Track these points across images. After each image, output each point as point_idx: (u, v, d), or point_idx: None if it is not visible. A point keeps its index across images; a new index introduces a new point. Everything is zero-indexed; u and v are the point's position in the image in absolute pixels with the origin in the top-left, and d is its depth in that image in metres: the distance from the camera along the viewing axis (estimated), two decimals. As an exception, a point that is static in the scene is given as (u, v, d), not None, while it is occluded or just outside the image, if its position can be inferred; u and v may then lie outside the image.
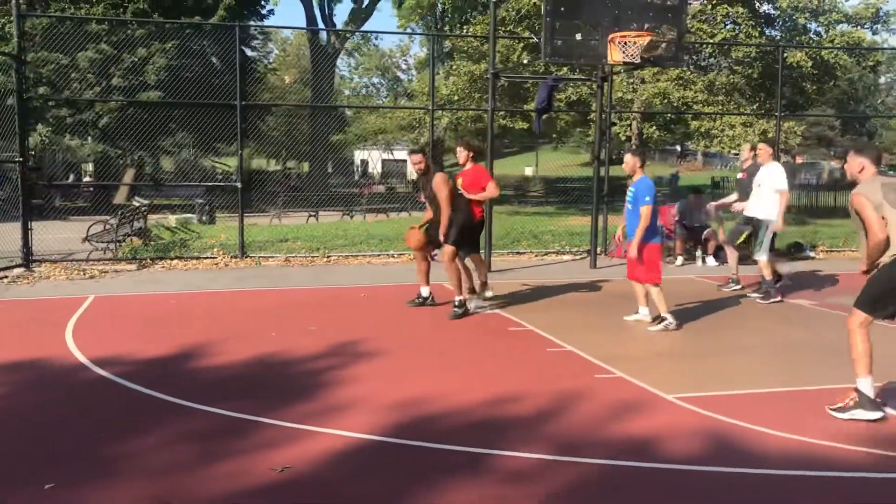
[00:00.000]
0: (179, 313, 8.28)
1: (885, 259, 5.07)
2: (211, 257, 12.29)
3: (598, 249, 13.44)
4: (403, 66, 50.28)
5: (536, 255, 13.32)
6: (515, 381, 5.83)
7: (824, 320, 8.20)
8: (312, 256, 12.50)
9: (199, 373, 6.00)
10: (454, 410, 5.07)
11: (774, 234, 9.11)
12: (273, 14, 34.07)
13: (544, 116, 12.48)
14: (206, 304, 8.88)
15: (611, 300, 9.17)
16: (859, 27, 19.32)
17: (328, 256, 12.53)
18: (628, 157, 7.69)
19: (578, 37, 9.87)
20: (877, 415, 4.96)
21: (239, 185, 12.62)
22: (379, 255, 12.86)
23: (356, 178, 43.41)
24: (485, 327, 7.74)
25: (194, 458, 4.24)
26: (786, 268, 9.85)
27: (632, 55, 9.47)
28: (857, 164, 5.25)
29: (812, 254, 13.71)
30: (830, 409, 5.11)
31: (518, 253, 13.42)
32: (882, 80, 49.21)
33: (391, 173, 46.00)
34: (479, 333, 7.46)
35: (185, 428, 4.72)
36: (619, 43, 9.47)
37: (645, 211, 7.39)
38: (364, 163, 48.60)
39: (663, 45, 10.39)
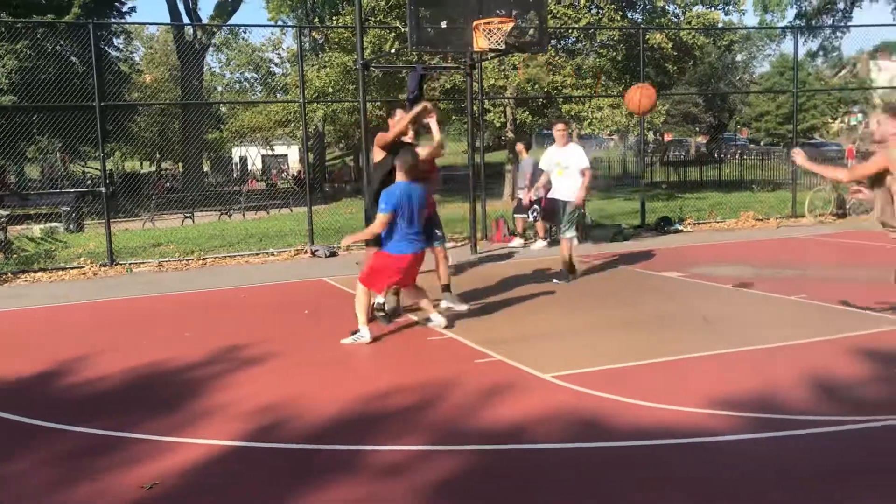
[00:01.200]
0: (43, 329, 7.83)
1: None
2: (78, 267, 11.69)
3: (479, 235, 13.61)
4: (277, 60, 49.26)
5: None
6: (394, 373, 5.81)
7: (693, 290, 8.57)
8: (187, 260, 12.09)
9: (64, 391, 5.69)
10: (330, 409, 5.00)
11: (580, 213, 9.32)
12: (135, 11, 32.66)
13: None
14: (73, 317, 8.44)
15: (491, 284, 9.28)
16: (713, 8, 20.26)
17: (204, 259, 12.15)
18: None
19: (444, 25, 9.90)
20: None
21: (103, 189, 12.04)
22: (258, 255, 12.57)
23: (235, 175, 42.33)
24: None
25: (56, 482, 4.01)
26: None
27: (497, 42, 9.58)
28: (893, 128, 5.66)
29: (680, 227, 14.30)
30: None
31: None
32: (739, 58, 51.73)
33: (271, 169, 45.10)
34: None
35: (48, 451, 4.45)
36: (484, 30, 9.56)
37: (381, 218, 6.49)
38: (243, 160, 47.44)
39: (527, 31, 10.56)
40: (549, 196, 9.48)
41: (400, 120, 7.22)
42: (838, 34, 31.27)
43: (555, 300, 8.31)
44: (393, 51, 16.48)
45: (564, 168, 9.13)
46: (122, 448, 4.44)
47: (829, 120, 51.41)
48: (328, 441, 4.44)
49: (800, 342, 6.18)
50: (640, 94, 8.17)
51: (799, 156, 6.38)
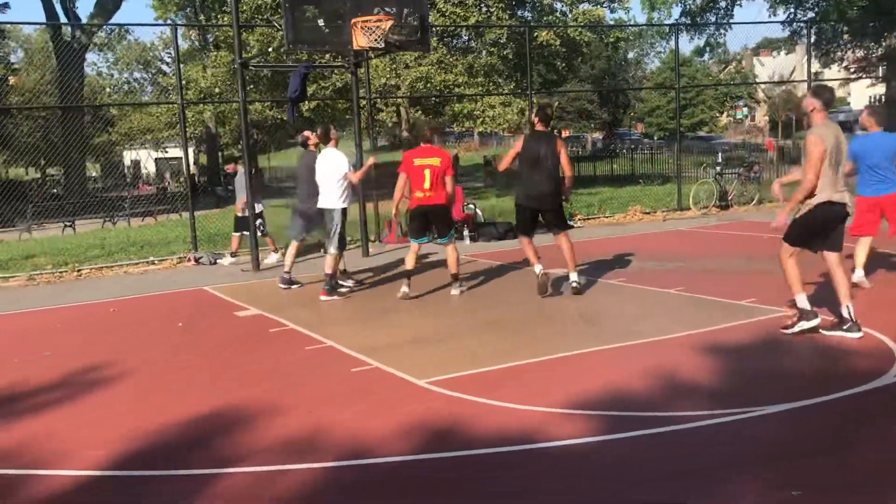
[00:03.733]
0: None
1: (812, 201, 5.80)
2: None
3: (372, 237, 13.42)
4: (168, 59, 47.74)
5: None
6: (265, 387, 5.57)
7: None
8: (60, 272, 11.44)
9: None
10: (188, 431, 4.73)
11: (343, 226, 8.65)
12: (9, 8, 30.88)
13: (302, 105, 12.20)
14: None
15: (380, 287, 9.11)
16: (598, 6, 20.63)
17: (79, 270, 11.52)
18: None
19: (321, 23, 9.66)
20: (816, 321, 5.96)
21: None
22: (137, 264, 12.01)
23: (127, 180, 40.76)
24: (244, 331, 7.39)
25: None
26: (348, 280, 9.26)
27: (376, 40, 9.41)
28: (809, 104, 5.87)
29: (571, 222, 14.45)
30: (783, 330, 6.04)
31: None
32: (631, 55, 53.24)
33: (164, 173, 43.60)
34: (238, 339, 7.11)
35: None
36: (363, 28, 9.38)
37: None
38: (135, 163, 45.76)
39: (410, 29, 10.42)
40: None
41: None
42: (721, 31, 32.46)
43: (435, 302, 8.20)
44: (270, 49, 16.06)
45: (324, 176, 8.58)
46: (-50, 486, 4.07)
47: (717, 114, 53.49)
48: (178, 466, 4.18)
49: (672, 336, 6.25)
50: None
51: (776, 186, 6.54)
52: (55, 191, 30.48)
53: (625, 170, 28.26)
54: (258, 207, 11.46)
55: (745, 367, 5.47)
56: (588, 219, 15.10)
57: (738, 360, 5.62)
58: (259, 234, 11.43)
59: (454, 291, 8.38)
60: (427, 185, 8.07)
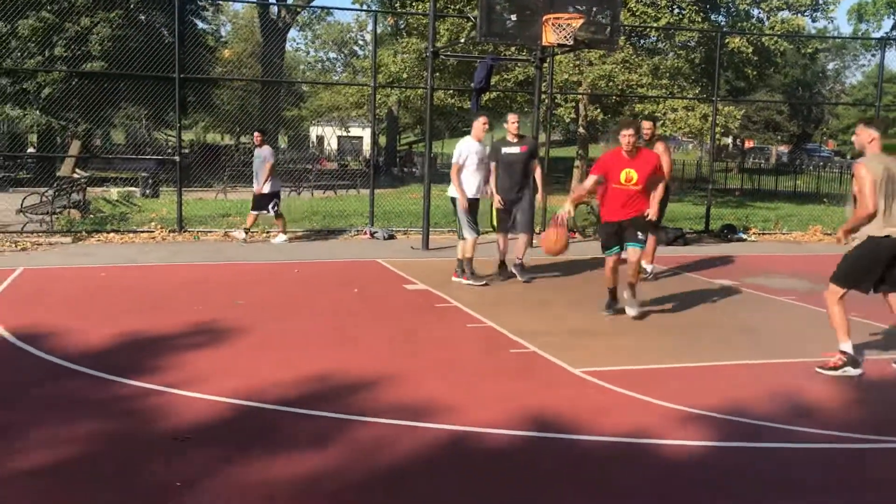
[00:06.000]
0: (105, 286, 8.25)
1: (866, 231, 5.52)
2: (148, 231, 12.21)
3: (538, 229, 13.65)
4: (361, 42, 49.95)
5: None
6: (429, 356, 5.97)
7: (742, 300, 8.47)
8: (252, 232, 12.48)
9: (112, 343, 6.02)
10: (361, 382, 5.19)
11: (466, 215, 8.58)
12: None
13: (485, 95, 12.59)
14: (135, 277, 8.87)
15: (541, 277, 9.35)
16: (799, 14, 19.71)
17: (267, 232, 12.53)
18: None
19: (513, 17, 9.97)
20: (859, 371, 5.68)
21: (177, 158, 12.53)
22: (319, 232, 12.90)
23: (312, 153, 43.12)
24: (413, 302, 7.87)
25: (93, 428, 4.31)
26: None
27: (565, 37, 9.61)
28: (867, 136, 5.66)
29: (744, 236, 14.06)
30: (821, 370, 5.70)
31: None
32: (830, 66, 50.18)
33: (345, 150, 45.77)
34: (407, 309, 7.58)
35: (97, 396, 4.78)
36: (553, 24, 9.60)
37: None
38: (320, 139, 48.28)
39: (599, 28, 10.53)
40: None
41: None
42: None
43: (591, 297, 8.33)
44: (463, 40, 16.56)
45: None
46: (147, 398, 4.73)
47: (922, 137, 49.36)
48: (336, 409, 4.64)
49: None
50: (555, 235, 7.56)
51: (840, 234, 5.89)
52: (242, 158, 32.75)
53: (810, 187, 26.83)
54: (271, 188, 11.59)
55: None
56: (764, 233, 14.61)
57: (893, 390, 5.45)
58: (270, 213, 11.72)
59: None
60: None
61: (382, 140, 47.89)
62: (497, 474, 3.89)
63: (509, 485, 3.77)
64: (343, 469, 3.86)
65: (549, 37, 9.70)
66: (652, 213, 7.36)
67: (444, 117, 33.42)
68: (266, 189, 11.66)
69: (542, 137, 13.93)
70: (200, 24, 28.30)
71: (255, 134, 12.24)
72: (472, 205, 8.71)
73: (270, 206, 11.75)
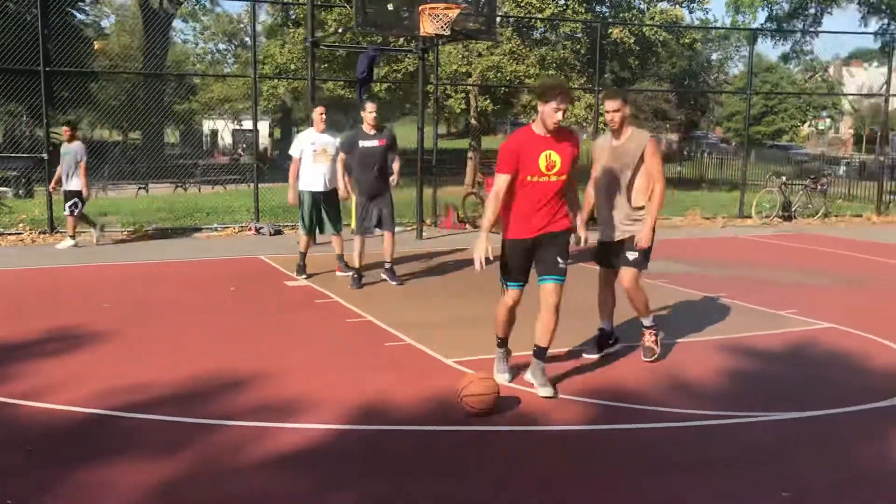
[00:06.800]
0: (-38, 293, 7.76)
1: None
2: (16, 233, 11.57)
3: (429, 221, 13.67)
4: (251, 33, 48.92)
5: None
6: (300, 351, 5.85)
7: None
8: (128, 231, 12.01)
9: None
10: (230, 383, 5.03)
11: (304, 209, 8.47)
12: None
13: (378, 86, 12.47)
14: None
15: (427, 268, 9.33)
16: (677, 5, 20.35)
17: (146, 231, 12.07)
18: None
19: (390, 7, 9.90)
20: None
21: (45, 156, 11.91)
22: (201, 230, 12.52)
23: (205, 148, 41.97)
24: (292, 299, 7.72)
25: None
26: None
27: (442, 27, 9.59)
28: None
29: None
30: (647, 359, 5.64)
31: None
32: (714, 56, 52.17)
33: (239, 144, 44.69)
34: (284, 305, 7.42)
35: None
36: (430, 14, 9.57)
37: None
38: (213, 133, 47.05)
39: (477, 18, 10.57)
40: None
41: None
42: (807, 39, 31.60)
43: (474, 287, 8.37)
44: (342, 30, 16.39)
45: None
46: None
47: (799, 124, 52.00)
48: (191, 414, 4.49)
49: (703, 339, 6.31)
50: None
51: None
52: (127, 154, 31.55)
53: (694, 173, 27.84)
54: (76, 186, 10.72)
55: (766, 374, 5.50)
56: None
57: (762, 366, 5.66)
58: (67, 213, 10.76)
59: None
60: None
61: (278, 133, 47.12)
62: (359, 468, 3.82)
63: (371, 477, 3.71)
64: (196, 475, 3.72)
65: (427, 27, 9.67)
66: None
67: (344, 110, 33.10)
68: (74, 186, 10.71)
69: (433, 130, 13.92)
70: (79, 16, 27.02)
71: (64, 128, 11.06)
72: (326, 199, 8.47)
73: (69, 205, 10.68)
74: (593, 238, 5.63)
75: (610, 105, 5.48)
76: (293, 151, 8.49)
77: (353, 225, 8.39)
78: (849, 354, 5.93)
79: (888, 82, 16.78)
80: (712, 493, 3.66)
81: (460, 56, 18.98)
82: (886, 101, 17.75)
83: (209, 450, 4.02)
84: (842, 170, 21.96)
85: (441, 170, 14.57)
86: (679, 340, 6.26)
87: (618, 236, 5.61)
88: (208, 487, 3.61)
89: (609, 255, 5.77)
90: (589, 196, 5.79)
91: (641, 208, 5.53)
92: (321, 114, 8.47)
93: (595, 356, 5.79)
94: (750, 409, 4.70)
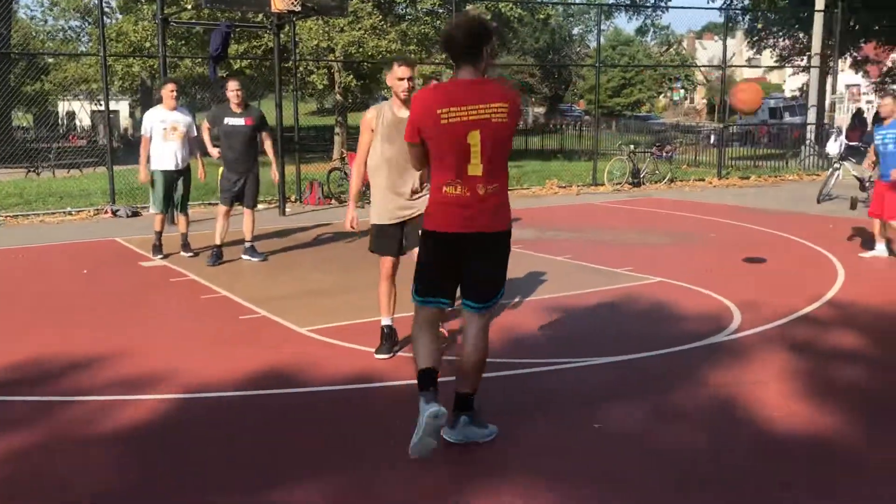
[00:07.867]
0: None
1: None
2: None
3: (293, 197, 13.72)
4: (108, 10, 46.48)
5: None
6: (147, 329, 5.91)
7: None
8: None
9: None
10: (81, 362, 5.06)
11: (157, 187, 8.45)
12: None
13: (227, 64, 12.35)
14: None
15: (287, 244, 9.44)
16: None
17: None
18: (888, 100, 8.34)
19: (238, -17, 9.86)
20: None
21: None
22: (54, 214, 12.12)
23: (61, 131, 39.89)
24: (146, 279, 7.69)
25: None
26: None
27: (293, 3, 9.65)
28: None
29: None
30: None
31: (211, 204, 13.17)
32: (576, 30, 53.83)
33: (98, 126, 42.72)
34: (138, 286, 7.39)
35: None
36: (280, -10, 9.60)
37: None
38: (70, 115, 44.76)
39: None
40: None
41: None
42: (659, 13, 33.22)
43: (333, 259, 8.59)
44: (190, 6, 16.08)
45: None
46: None
47: (655, 95, 54.50)
48: (41, 393, 4.53)
49: (540, 297, 6.77)
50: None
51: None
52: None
53: (555, 145, 28.85)
54: None
55: (597, 326, 6.01)
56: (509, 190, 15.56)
57: (594, 319, 6.17)
58: None
59: None
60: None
61: (139, 113, 45.26)
62: (213, 434, 3.98)
63: (226, 442, 3.88)
64: (46, 447, 3.79)
65: (277, 3, 9.70)
66: None
67: (208, 88, 32.19)
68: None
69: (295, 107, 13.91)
70: None
71: None
72: (179, 177, 8.46)
73: None
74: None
75: (406, 72, 4.93)
76: (143, 130, 8.43)
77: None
78: (672, 304, 6.52)
79: (724, 53, 17.97)
80: (533, 431, 4.05)
81: (321, 32, 18.92)
82: (724, 71, 18.99)
83: (61, 423, 4.09)
84: (713, 138, 23.19)
85: (305, 147, 14.58)
86: (521, 299, 6.69)
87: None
88: (59, 458, 3.69)
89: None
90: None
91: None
92: (172, 90, 8.39)
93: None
94: (577, 356, 5.15)
